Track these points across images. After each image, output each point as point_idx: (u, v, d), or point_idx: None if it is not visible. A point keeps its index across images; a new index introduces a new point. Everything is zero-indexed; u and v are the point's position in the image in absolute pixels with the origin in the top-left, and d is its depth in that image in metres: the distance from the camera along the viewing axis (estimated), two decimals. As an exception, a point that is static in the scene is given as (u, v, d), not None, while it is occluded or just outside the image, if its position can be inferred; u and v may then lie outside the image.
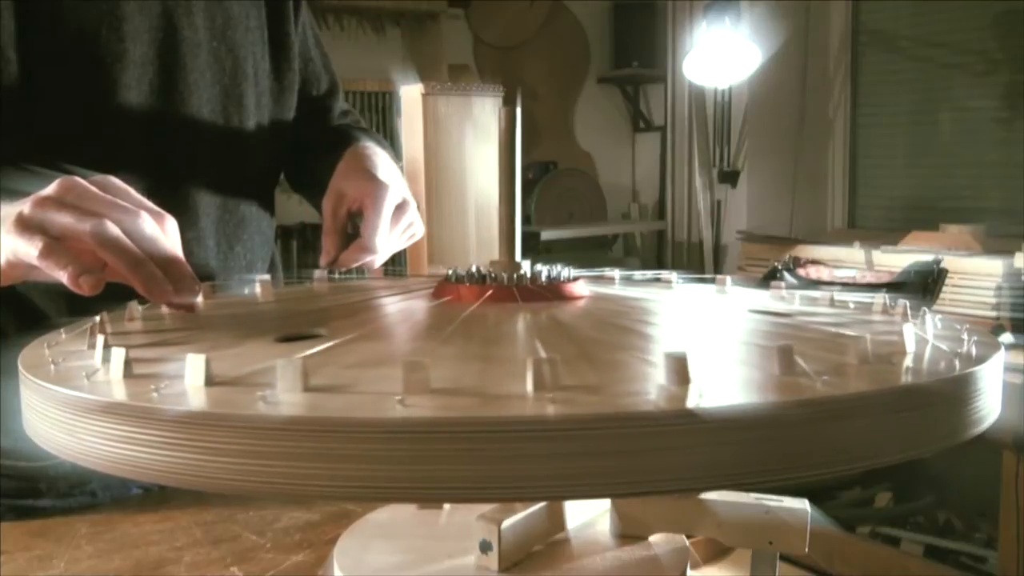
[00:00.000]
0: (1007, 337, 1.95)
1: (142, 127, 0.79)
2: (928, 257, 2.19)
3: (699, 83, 3.03)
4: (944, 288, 2.15)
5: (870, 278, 2.25)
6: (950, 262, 2.16)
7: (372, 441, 0.32)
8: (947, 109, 2.88)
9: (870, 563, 1.90)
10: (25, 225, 0.53)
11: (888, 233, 2.59)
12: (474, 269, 0.56)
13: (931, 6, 2.87)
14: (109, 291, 0.52)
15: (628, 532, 0.51)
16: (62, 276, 0.51)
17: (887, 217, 3.06)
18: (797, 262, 2.44)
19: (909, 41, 2.97)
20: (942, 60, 2.86)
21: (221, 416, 0.33)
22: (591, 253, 3.36)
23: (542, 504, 0.48)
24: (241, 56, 0.86)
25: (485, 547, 0.46)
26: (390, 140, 0.94)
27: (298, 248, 2.77)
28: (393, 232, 0.78)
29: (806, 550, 0.48)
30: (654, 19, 3.47)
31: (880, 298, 0.58)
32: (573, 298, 0.55)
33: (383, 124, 2.80)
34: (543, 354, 0.35)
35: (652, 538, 0.51)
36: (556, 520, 0.50)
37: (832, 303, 0.61)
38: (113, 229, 0.51)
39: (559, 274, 0.56)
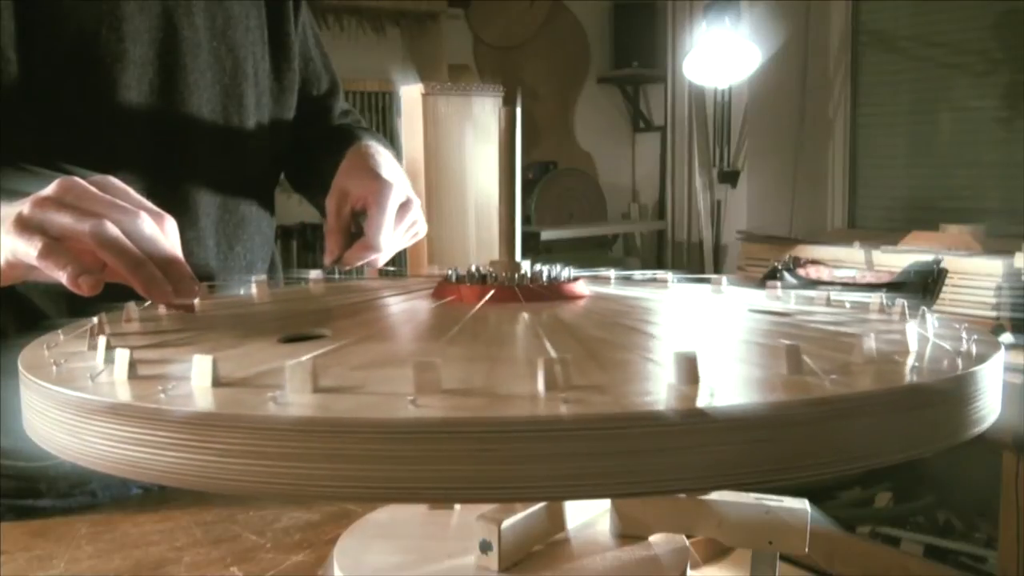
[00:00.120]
0: (1007, 337, 1.95)
1: (142, 127, 0.79)
2: (928, 257, 2.19)
3: (699, 83, 3.03)
4: (944, 288, 2.15)
5: (870, 278, 2.25)
6: (950, 262, 2.16)
7: (386, 441, 0.31)
8: (947, 109, 2.88)
9: (870, 563, 1.90)
10: (24, 225, 0.53)
11: (888, 233, 2.59)
12: (474, 269, 0.56)
13: (931, 6, 2.87)
14: (108, 291, 0.52)
15: (628, 532, 0.51)
16: (61, 276, 0.51)
17: (887, 217, 3.06)
18: (797, 262, 2.44)
19: (909, 41, 2.97)
20: (942, 60, 2.87)
21: (232, 417, 0.33)
22: (591, 253, 3.36)
23: (542, 504, 0.48)
24: (241, 56, 0.86)
25: (485, 547, 0.45)
26: (390, 140, 0.94)
27: (298, 248, 2.77)
28: (397, 230, 0.78)
29: (806, 550, 0.48)
30: (654, 19, 3.47)
31: (877, 297, 0.58)
32: (574, 298, 0.55)
33: (383, 124, 2.80)
34: (553, 354, 0.35)
35: (652, 538, 0.51)
36: (556, 520, 0.50)
37: (828, 303, 0.61)
38: (112, 229, 0.51)
39: (559, 274, 0.56)
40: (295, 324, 0.52)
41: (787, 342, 0.38)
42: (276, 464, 0.32)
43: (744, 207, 3.26)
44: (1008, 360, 1.69)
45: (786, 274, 2.32)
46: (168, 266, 0.53)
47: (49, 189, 0.54)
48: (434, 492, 0.32)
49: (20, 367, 0.43)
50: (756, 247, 2.73)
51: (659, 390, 0.35)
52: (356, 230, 0.79)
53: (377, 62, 2.85)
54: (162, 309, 0.57)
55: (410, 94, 2.14)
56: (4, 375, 0.50)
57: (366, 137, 0.90)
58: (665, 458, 0.32)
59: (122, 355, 0.39)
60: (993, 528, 2.03)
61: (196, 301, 0.56)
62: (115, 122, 0.78)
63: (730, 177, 3.27)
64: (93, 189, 0.54)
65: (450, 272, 0.57)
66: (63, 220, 0.52)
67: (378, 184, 0.77)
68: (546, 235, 3.12)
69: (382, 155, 0.85)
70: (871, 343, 0.40)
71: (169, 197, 0.72)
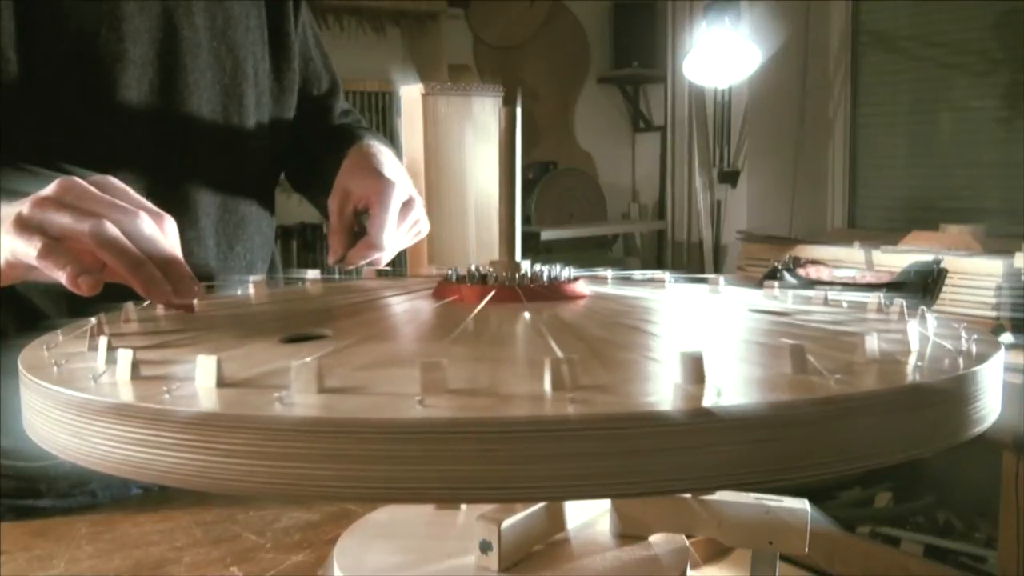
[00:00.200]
0: (1007, 337, 1.95)
1: (142, 127, 0.79)
2: (928, 257, 2.19)
3: (699, 83, 3.03)
4: (944, 288, 2.15)
5: (870, 278, 2.25)
6: (950, 262, 2.16)
7: (394, 442, 0.31)
8: (947, 109, 2.88)
9: (870, 563, 1.90)
10: (24, 225, 0.53)
11: (888, 233, 2.59)
12: (473, 269, 0.56)
13: (931, 6, 2.87)
14: (108, 291, 0.52)
15: (628, 532, 0.51)
16: (61, 276, 0.51)
17: (887, 217, 3.06)
18: (797, 262, 2.44)
19: (909, 41, 2.97)
20: (942, 60, 2.87)
21: (239, 417, 0.33)
22: (591, 253, 3.36)
23: (542, 504, 0.48)
24: (241, 56, 0.86)
25: (485, 547, 0.45)
26: (390, 140, 0.94)
27: (298, 248, 2.77)
28: (400, 229, 0.78)
29: (806, 550, 0.48)
30: (654, 19, 3.47)
31: (874, 297, 0.58)
32: (575, 298, 0.55)
33: (383, 124, 2.80)
34: (560, 354, 0.35)
35: (652, 538, 0.51)
36: (556, 520, 0.50)
37: (826, 302, 0.61)
38: (112, 229, 0.51)
39: (560, 274, 0.56)
40: (295, 324, 0.52)
41: (791, 342, 0.38)
42: (283, 464, 0.32)
43: (744, 207, 3.26)
44: (1008, 360, 1.69)
45: (786, 274, 2.32)
46: (167, 266, 0.53)
47: (49, 189, 0.54)
48: (443, 492, 0.32)
49: (20, 368, 0.43)
50: (756, 247, 2.73)
51: (665, 390, 0.35)
52: (359, 229, 0.79)
53: (377, 62, 2.85)
54: (160, 309, 0.57)
55: (410, 94, 2.14)
56: (4, 375, 0.50)
57: (367, 136, 0.90)
58: (673, 458, 0.32)
59: (125, 356, 0.39)
60: (993, 528, 2.03)
61: (195, 301, 0.56)
62: (115, 122, 0.78)
63: (730, 177, 3.27)
64: (93, 189, 0.54)
65: (450, 272, 0.57)
66: (63, 220, 0.52)
67: (381, 183, 0.77)
68: (546, 235, 3.12)
69: (384, 154, 0.85)
70: (874, 343, 0.40)
71: (169, 197, 0.72)
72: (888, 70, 3.03)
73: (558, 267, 0.57)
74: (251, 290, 0.65)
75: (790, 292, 0.64)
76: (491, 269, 0.55)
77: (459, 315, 0.50)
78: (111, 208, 0.53)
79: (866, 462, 0.36)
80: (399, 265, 0.83)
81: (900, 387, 0.37)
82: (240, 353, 0.44)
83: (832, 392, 0.35)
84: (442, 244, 2.05)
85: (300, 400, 0.34)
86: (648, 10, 3.48)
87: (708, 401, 0.33)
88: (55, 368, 0.42)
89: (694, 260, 3.40)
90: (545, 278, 0.55)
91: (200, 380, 0.37)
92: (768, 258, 2.58)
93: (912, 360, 0.41)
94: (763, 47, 2.68)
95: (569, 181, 3.35)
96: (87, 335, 0.47)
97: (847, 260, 2.42)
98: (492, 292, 0.52)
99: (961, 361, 0.41)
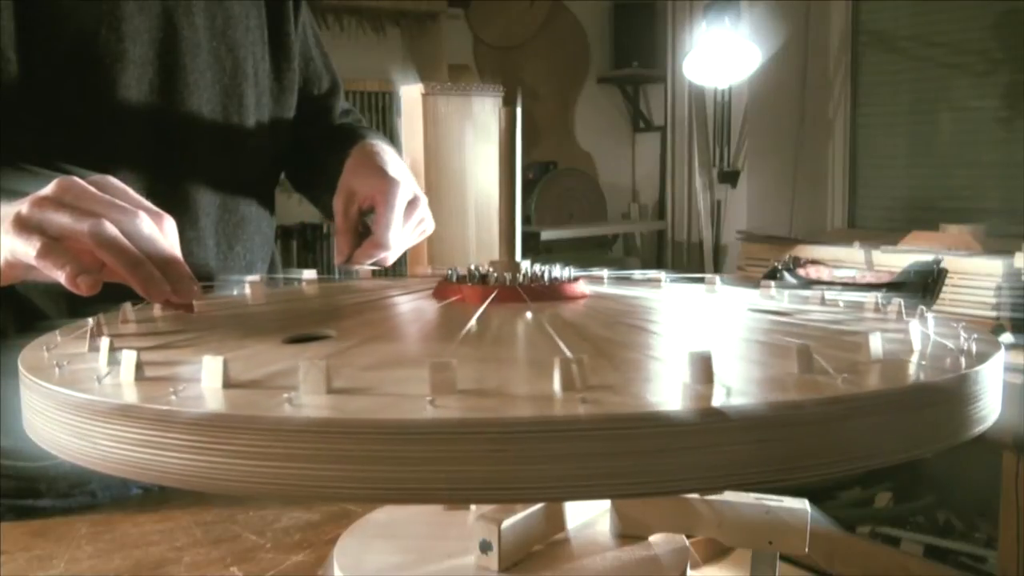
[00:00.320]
0: (1007, 337, 1.95)
1: (142, 127, 0.79)
2: (928, 257, 2.19)
3: (699, 83, 3.03)
4: (944, 288, 2.15)
5: (870, 278, 2.24)
6: (950, 262, 2.16)
7: (406, 442, 0.31)
8: (947, 109, 2.88)
9: (870, 563, 1.89)
10: (23, 225, 0.53)
11: (888, 233, 2.59)
12: (473, 269, 0.56)
13: (931, 6, 2.87)
14: (108, 291, 0.52)
15: (628, 532, 0.51)
16: (60, 276, 0.51)
17: (887, 217, 3.06)
18: (797, 262, 2.44)
19: (909, 41, 2.97)
20: (942, 60, 2.86)
21: (248, 418, 0.33)
22: (591, 253, 3.36)
23: (541, 504, 0.48)
24: (241, 56, 0.86)
25: (485, 547, 0.45)
26: (390, 140, 0.94)
27: (298, 248, 2.77)
28: (405, 228, 0.78)
29: (806, 550, 0.48)
30: (654, 19, 3.47)
31: (871, 297, 0.58)
32: (576, 298, 0.55)
33: (383, 124, 2.80)
34: (568, 354, 0.35)
35: (652, 538, 0.51)
36: (556, 520, 0.50)
37: (823, 302, 0.61)
38: (111, 229, 0.51)
39: (560, 274, 0.56)
40: (296, 325, 0.52)
41: (798, 341, 0.38)
42: (292, 465, 0.32)
43: (744, 207, 3.26)
44: (1008, 360, 1.69)
45: (786, 274, 2.32)
46: (167, 266, 0.53)
47: (48, 189, 0.54)
48: (455, 493, 0.32)
49: (21, 369, 0.43)
50: (756, 247, 2.73)
51: (674, 390, 0.35)
52: (363, 229, 0.79)
53: (377, 62, 2.85)
54: (157, 310, 0.57)
55: (410, 94, 2.14)
56: (4, 375, 0.50)
57: (370, 136, 0.90)
58: (683, 458, 0.32)
59: (129, 357, 0.39)
60: (993, 528, 2.03)
61: (195, 301, 0.55)
62: (115, 122, 0.78)
63: (730, 177, 3.27)
64: (92, 189, 0.54)
65: (450, 272, 0.57)
66: (62, 220, 0.52)
67: (385, 182, 0.77)
68: (546, 235, 3.12)
69: (387, 153, 0.85)
70: (877, 342, 0.40)
71: (169, 197, 0.72)
72: (888, 70, 3.03)
73: (558, 267, 0.57)
74: (247, 290, 0.65)
75: (786, 292, 0.64)
76: (491, 269, 0.55)
77: (462, 315, 0.50)
78: (110, 208, 0.53)
79: (869, 462, 0.36)
80: (400, 265, 0.83)
81: (908, 386, 0.37)
82: (244, 354, 0.43)
83: (840, 392, 0.35)
84: (442, 244, 2.05)
85: (309, 401, 0.34)
86: (648, 10, 3.48)
87: (718, 401, 0.33)
88: (57, 369, 0.41)
89: (694, 260, 3.40)
90: (546, 278, 0.55)
91: (206, 381, 0.37)
92: (768, 258, 2.58)
93: (916, 359, 0.41)
94: (763, 47, 2.68)
95: (569, 181, 3.35)
96: (86, 336, 0.47)
97: (847, 260, 2.42)
98: (495, 292, 0.52)
99: (963, 360, 0.41)
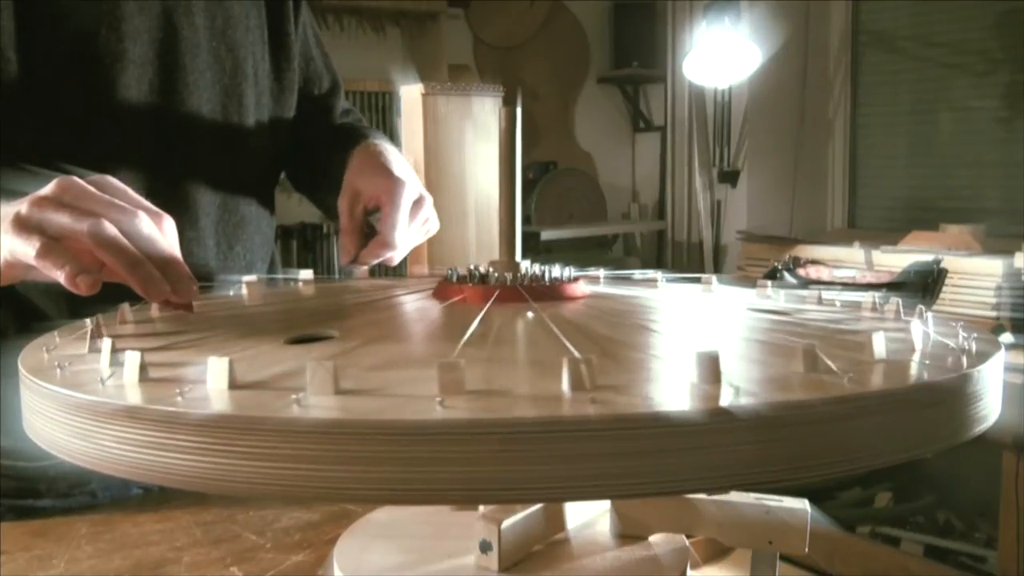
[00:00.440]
0: (1007, 337, 1.95)
1: (142, 127, 0.79)
2: (928, 257, 2.19)
3: (699, 83, 3.03)
4: (944, 288, 2.15)
5: (870, 278, 2.24)
6: (950, 262, 2.16)
7: (417, 443, 0.31)
8: (947, 109, 2.88)
9: (870, 563, 1.90)
10: (23, 225, 0.53)
11: (888, 233, 2.59)
12: (472, 269, 0.56)
13: (931, 6, 2.87)
14: (108, 291, 0.52)
15: (628, 532, 0.51)
16: (59, 276, 0.50)
17: (887, 217, 3.06)
18: (797, 262, 2.44)
19: (909, 41, 2.97)
20: (942, 60, 2.86)
21: (257, 419, 0.33)
22: (591, 253, 3.36)
23: (541, 504, 0.48)
24: (241, 56, 0.86)
25: (485, 547, 0.45)
26: (390, 140, 0.94)
27: (298, 248, 2.77)
28: (411, 227, 0.78)
29: (806, 550, 0.48)
30: (654, 19, 3.47)
31: (868, 296, 0.58)
32: (577, 297, 0.55)
33: (383, 124, 2.80)
34: (576, 354, 0.35)
35: (652, 538, 0.51)
36: (556, 520, 0.50)
37: (820, 301, 0.61)
38: (111, 229, 0.51)
39: (561, 274, 0.56)
40: (297, 325, 0.52)
41: (799, 341, 0.38)
42: (301, 466, 0.32)
43: (744, 207, 3.26)
44: (1008, 360, 1.69)
45: (786, 274, 2.32)
46: (166, 266, 0.53)
47: (47, 189, 0.54)
48: (465, 494, 0.32)
49: (22, 370, 0.43)
50: (756, 247, 2.73)
51: (682, 389, 0.35)
52: (368, 230, 0.79)
53: (377, 62, 2.85)
54: (155, 310, 0.57)
55: (410, 94, 2.14)
56: (4, 375, 0.50)
57: (372, 135, 0.90)
58: (692, 458, 0.32)
59: (132, 358, 0.39)
60: (993, 528, 2.03)
61: (194, 301, 0.55)
62: (115, 122, 0.78)
63: (730, 177, 3.27)
64: (91, 189, 0.54)
65: (449, 272, 0.57)
66: (61, 220, 0.52)
67: (391, 182, 0.77)
68: (546, 235, 3.12)
69: (392, 153, 0.85)
70: (881, 342, 0.40)
71: (169, 197, 0.72)
72: (888, 70, 3.03)
73: (558, 267, 0.57)
74: (243, 291, 0.65)
75: (782, 291, 0.64)
76: (491, 269, 0.55)
77: (463, 315, 0.50)
78: (110, 208, 0.53)
79: (873, 461, 0.36)
80: (401, 265, 0.83)
81: (912, 385, 0.37)
82: (247, 355, 0.43)
83: (847, 391, 0.35)
84: (442, 244, 2.05)
85: (317, 402, 0.34)
86: (648, 10, 3.48)
87: (726, 400, 0.33)
88: (59, 371, 0.41)
89: (694, 260, 3.40)
90: (546, 278, 0.55)
91: (212, 382, 0.36)
92: (768, 258, 2.58)
93: (919, 358, 0.41)
94: (763, 47, 2.68)
95: (569, 181, 3.35)
96: (86, 337, 0.47)
97: (847, 260, 2.42)
98: (497, 292, 0.52)
99: (965, 360, 0.41)
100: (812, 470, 0.34)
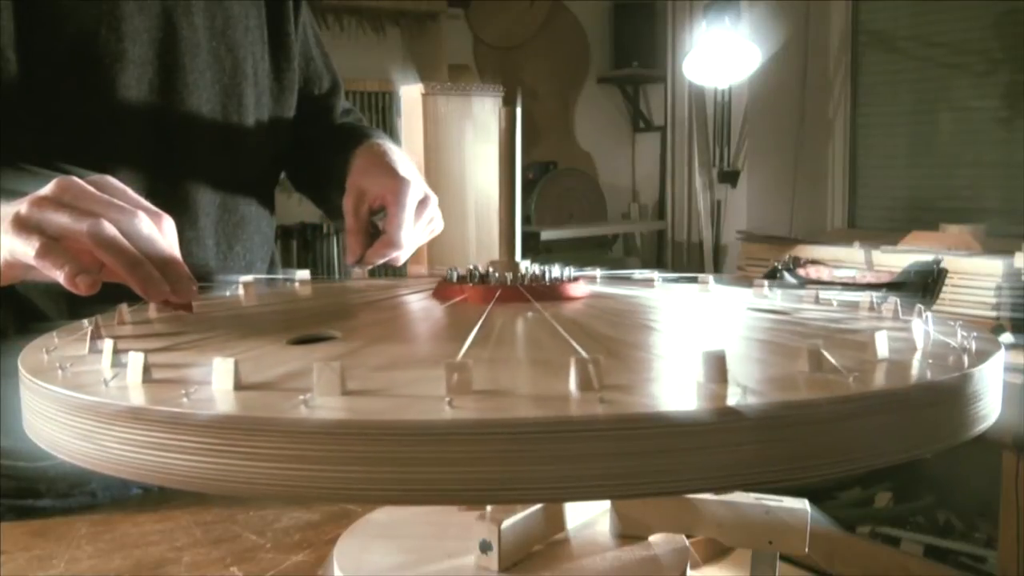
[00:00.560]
0: (1007, 337, 1.95)
1: (141, 127, 0.79)
2: (928, 257, 2.19)
3: (699, 83, 3.03)
4: (944, 288, 2.15)
5: (870, 278, 2.24)
6: (950, 262, 2.16)
7: (426, 443, 0.31)
8: (947, 109, 2.88)
9: (870, 563, 1.90)
10: (22, 225, 0.53)
11: (888, 233, 2.59)
12: (472, 269, 0.56)
13: (931, 6, 2.87)
14: (107, 291, 0.52)
15: (628, 532, 0.51)
16: (59, 276, 0.50)
17: (887, 217, 3.06)
18: (797, 262, 2.44)
19: (909, 41, 2.97)
20: (942, 60, 2.86)
21: (263, 420, 0.32)
22: (591, 253, 3.35)
23: (541, 504, 0.48)
24: (241, 56, 0.86)
25: (485, 547, 0.45)
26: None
27: (298, 248, 2.77)
28: (416, 227, 0.78)
29: (806, 550, 0.48)
30: (654, 19, 3.47)
31: (865, 296, 0.58)
32: (578, 297, 0.55)
33: (383, 124, 2.80)
34: (584, 354, 0.35)
35: (652, 538, 0.51)
36: (556, 520, 0.50)
37: (817, 301, 0.61)
38: (110, 229, 0.51)
39: (561, 274, 0.56)
40: (298, 326, 0.52)
41: (800, 340, 0.38)
42: (309, 467, 0.32)
43: (744, 207, 3.26)
44: (1008, 360, 1.69)
45: (786, 274, 2.32)
46: (166, 266, 0.53)
47: (47, 189, 0.54)
48: (471, 494, 0.32)
49: (22, 371, 0.42)
50: (756, 247, 2.73)
51: (688, 389, 0.35)
52: (373, 230, 0.79)
53: (377, 62, 2.85)
54: (153, 311, 0.57)
55: (410, 94, 2.14)
56: (4, 375, 0.50)
57: (375, 135, 0.90)
58: (699, 457, 0.32)
59: (136, 358, 0.38)
60: (993, 528, 2.03)
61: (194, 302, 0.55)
62: (115, 122, 0.78)
63: (730, 177, 3.27)
64: (91, 189, 0.54)
65: (449, 272, 0.56)
66: (61, 220, 0.52)
67: (396, 182, 0.77)
68: (546, 235, 3.12)
69: (396, 152, 0.85)
70: (884, 341, 0.40)
71: (169, 197, 0.72)
72: (888, 70, 3.03)
73: (557, 267, 0.57)
74: (240, 291, 0.65)
75: (779, 291, 0.64)
76: (491, 269, 0.55)
77: (465, 315, 0.50)
78: (109, 208, 0.53)
79: (874, 461, 0.36)
80: (402, 265, 0.83)
81: (916, 385, 0.37)
82: (250, 355, 0.43)
83: (852, 390, 0.35)
84: (442, 244, 2.05)
85: (324, 402, 0.34)
86: (648, 10, 3.48)
87: (733, 400, 0.33)
88: (60, 372, 0.41)
89: (694, 260, 3.40)
90: (546, 278, 0.55)
91: (217, 383, 0.36)
92: (768, 258, 2.58)
93: (922, 358, 0.41)
94: (763, 47, 2.68)
95: (569, 181, 3.35)
96: (86, 338, 0.47)
97: (847, 260, 2.42)
98: (498, 292, 0.52)
99: (966, 359, 0.41)
100: (813, 470, 0.34)
